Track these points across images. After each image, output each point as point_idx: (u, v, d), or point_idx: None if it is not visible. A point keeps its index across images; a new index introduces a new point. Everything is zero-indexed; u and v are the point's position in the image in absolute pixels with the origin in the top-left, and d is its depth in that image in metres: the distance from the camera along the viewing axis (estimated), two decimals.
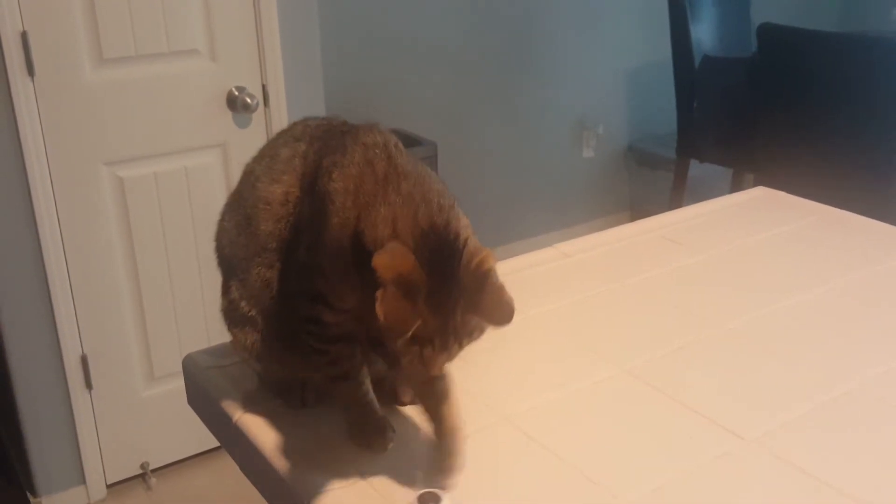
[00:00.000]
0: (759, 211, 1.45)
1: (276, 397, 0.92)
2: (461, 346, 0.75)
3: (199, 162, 2.23)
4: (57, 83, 1.97)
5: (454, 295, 0.73)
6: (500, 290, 0.74)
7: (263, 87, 2.24)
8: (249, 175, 0.89)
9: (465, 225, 0.77)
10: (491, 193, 3.32)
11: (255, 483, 0.89)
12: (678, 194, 2.97)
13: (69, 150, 2.04)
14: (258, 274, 0.84)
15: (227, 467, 2.44)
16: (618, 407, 0.92)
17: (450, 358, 0.76)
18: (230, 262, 0.89)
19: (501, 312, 0.74)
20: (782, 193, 1.50)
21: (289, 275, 0.83)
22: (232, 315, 0.89)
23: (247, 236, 0.86)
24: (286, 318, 0.83)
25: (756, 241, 1.33)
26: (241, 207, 0.88)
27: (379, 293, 0.70)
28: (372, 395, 0.85)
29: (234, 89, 2.19)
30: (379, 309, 0.70)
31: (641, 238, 1.35)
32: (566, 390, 0.94)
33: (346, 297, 0.78)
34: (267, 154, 0.89)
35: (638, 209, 3.58)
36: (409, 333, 0.70)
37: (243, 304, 0.87)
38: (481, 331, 0.75)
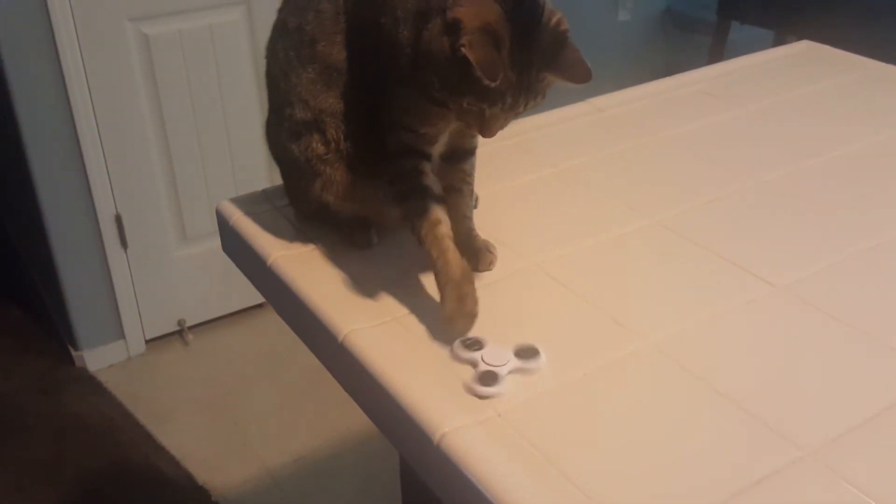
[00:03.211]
0: (803, 65, 1.40)
1: (342, 239, 0.93)
2: (526, 108, 0.76)
3: (223, 19, 2.19)
4: None
5: (532, 51, 0.73)
6: (577, 50, 0.75)
7: None
8: (300, 30, 0.86)
9: None
10: None
11: (290, 324, 0.91)
12: (717, 59, 2.87)
13: (93, 4, 2.00)
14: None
15: (261, 325, 2.53)
16: (647, 255, 0.92)
17: (507, 122, 0.77)
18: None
19: (582, 70, 0.75)
20: (827, 47, 1.44)
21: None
22: (295, 129, 0.89)
23: (329, 94, 0.86)
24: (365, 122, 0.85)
25: (797, 95, 1.29)
26: (305, 63, 0.86)
27: (465, 40, 0.70)
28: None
29: None
30: (470, 54, 0.70)
31: (678, 92, 1.31)
32: (596, 239, 0.94)
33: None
34: (311, 8, 0.86)
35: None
36: (499, 80, 0.71)
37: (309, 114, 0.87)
38: (544, 95, 0.77)
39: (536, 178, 1.08)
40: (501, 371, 0.73)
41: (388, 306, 0.83)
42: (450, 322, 0.78)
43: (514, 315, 0.82)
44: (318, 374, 0.86)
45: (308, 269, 0.89)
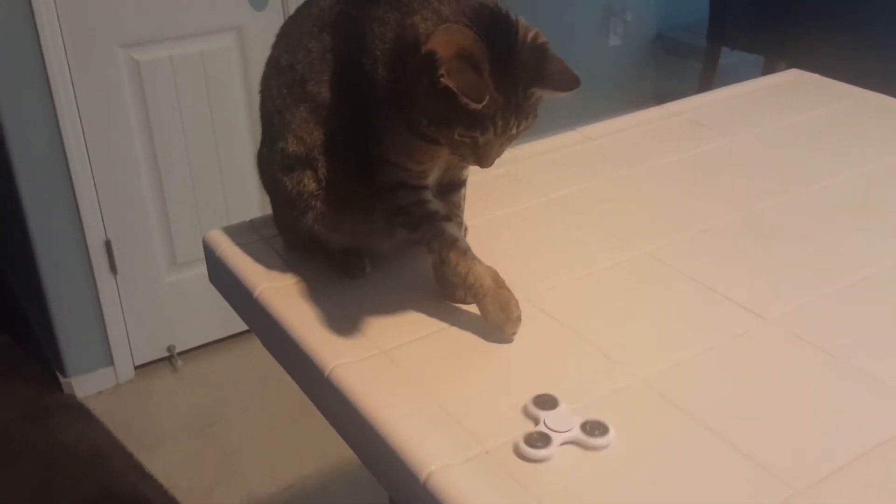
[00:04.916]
0: (792, 94, 1.40)
1: (335, 268, 0.92)
2: (518, 129, 0.75)
3: (215, 46, 2.19)
4: None
5: (515, 69, 0.72)
6: (560, 59, 0.74)
7: None
8: (292, 69, 0.86)
9: None
10: None
11: (276, 356, 0.90)
12: (707, 84, 2.88)
13: (84, 30, 2.00)
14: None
15: (251, 351, 2.51)
16: (637, 287, 0.92)
17: (503, 148, 0.77)
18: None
19: (569, 78, 0.74)
20: (816, 76, 1.44)
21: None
22: (287, 162, 0.88)
23: (321, 132, 0.86)
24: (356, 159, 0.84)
25: (786, 124, 1.29)
26: (297, 102, 0.86)
27: (443, 69, 0.70)
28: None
29: None
30: (450, 82, 0.69)
31: (668, 122, 1.32)
32: (586, 271, 0.94)
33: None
34: (301, 47, 0.86)
35: (665, 101, 3.50)
36: (486, 101, 0.70)
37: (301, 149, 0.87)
38: (536, 114, 0.76)
39: (525, 208, 1.07)
40: (557, 437, 0.69)
41: (376, 339, 0.82)
42: (501, 330, 0.80)
43: (504, 349, 0.81)
44: (308, 401, 0.86)
45: (295, 301, 0.88)
